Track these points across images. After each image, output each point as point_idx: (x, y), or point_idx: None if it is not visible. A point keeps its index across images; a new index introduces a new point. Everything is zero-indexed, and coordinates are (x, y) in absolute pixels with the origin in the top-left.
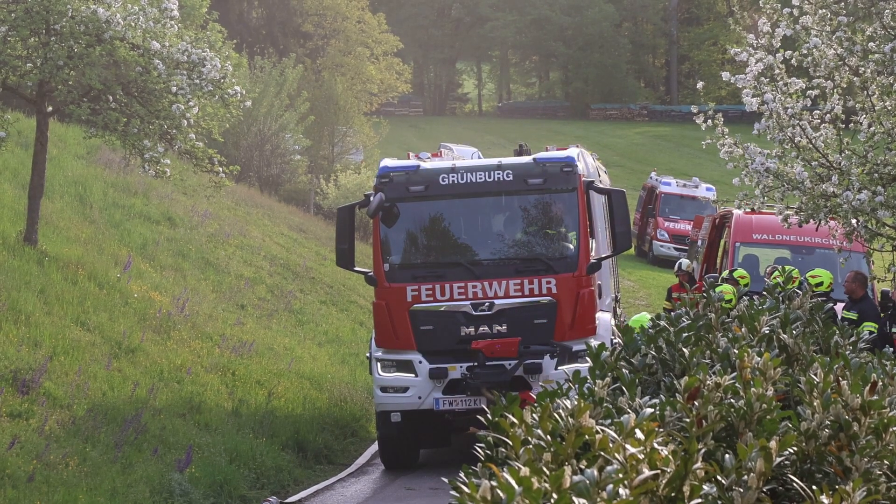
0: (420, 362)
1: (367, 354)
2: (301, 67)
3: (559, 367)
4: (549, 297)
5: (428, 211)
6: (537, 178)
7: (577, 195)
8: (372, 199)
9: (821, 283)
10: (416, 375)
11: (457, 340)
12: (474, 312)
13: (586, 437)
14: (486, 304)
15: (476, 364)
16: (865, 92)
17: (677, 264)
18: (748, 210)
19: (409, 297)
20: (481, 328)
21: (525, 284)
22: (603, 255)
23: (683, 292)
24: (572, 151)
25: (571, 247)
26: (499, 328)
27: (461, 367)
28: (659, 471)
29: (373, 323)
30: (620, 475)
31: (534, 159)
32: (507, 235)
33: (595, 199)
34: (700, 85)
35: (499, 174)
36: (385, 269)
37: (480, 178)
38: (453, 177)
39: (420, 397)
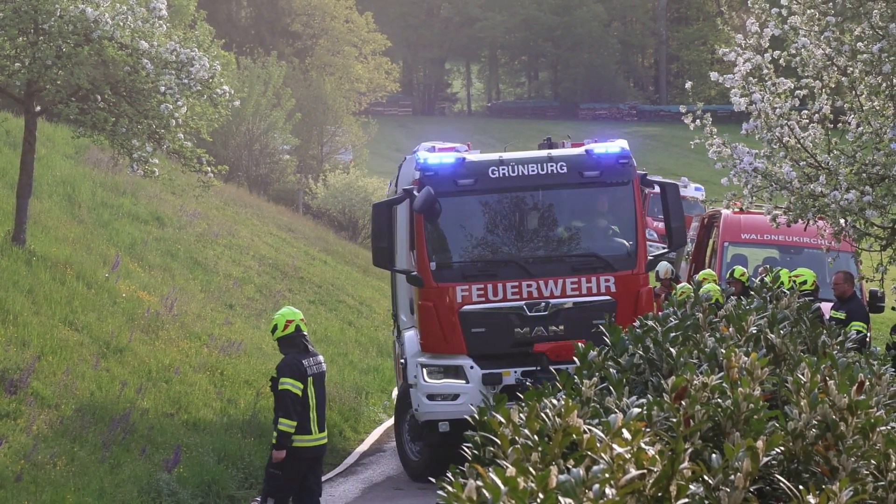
0: (471, 367)
1: (402, 360)
2: (285, 65)
3: None
4: (607, 297)
5: (477, 205)
6: (593, 170)
7: (633, 188)
8: (416, 193)
9: (804, 283)
10: (467, 382)
11: (511, 343)
12: (529, 313)
13: (573, 436)
14: (542, 303)
15: (538, 368)
16: (853, 92)
17: (655, 271)
18: (736, 210)
19: (460, 297)
20: (536, 330)
21: (582, 283)
22: (659, 252)
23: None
24: (621, 143)
25: (629, 243)
26: (555, 329)
27: (515, 371)
28: (646, 470)
29: (347, 326)
30: (607, 475)
31: (586, 151)
32: (561, 231)
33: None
34: (689, 85)
35: (552, 166)
36: (432, 268)
37: (532, 171)
38: (503, 169)
39: (472, 405)
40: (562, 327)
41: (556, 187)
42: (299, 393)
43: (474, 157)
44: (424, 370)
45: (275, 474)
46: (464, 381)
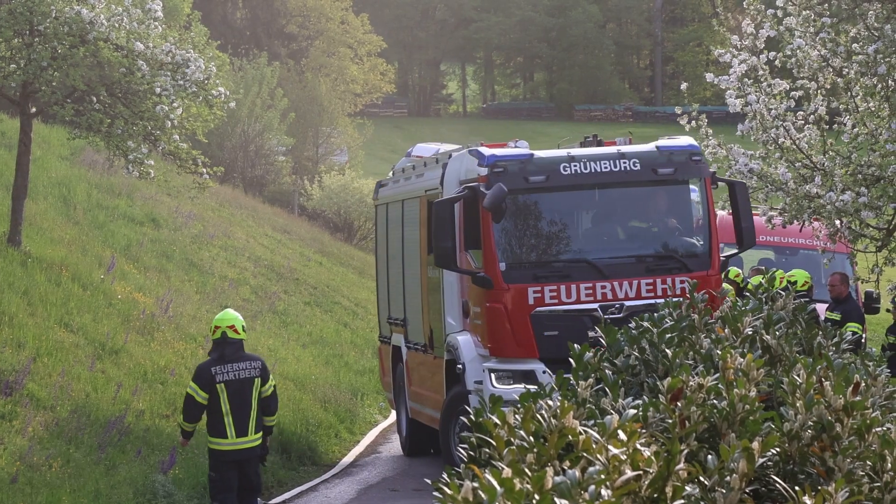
0: (544, 372)
1: (459, 365)
2: (278, 65)
3: None
4: (682, 298)
5: (549, 203)
6: (667, 167)
7: (706, 186)
8: (484, 189)
9: (794, 283)
10: None
11: None
12: (603, 316)
13: (569, 437)
14: (617, 305)
15: None
16: (849, 93)
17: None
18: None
19: (532, 299)
20: None
21: (657, 284)
22: (731, 253)
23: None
24: (688, 139)
25: (702, 243)
26: None
27: None
28: (641, 472)
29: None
30: (603, 476)
31: (657, 147)
32: (635, 230)
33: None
34: (684, 86)
35: (625, 163)
36: (501, 268)
37: (605, 168)
38: (575, 166)
39: None
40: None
41: (629, 185)
42: (197, 397)
43: (543, 153)
44: (493, 375)
45: (211, 477)
46: (536, 388)
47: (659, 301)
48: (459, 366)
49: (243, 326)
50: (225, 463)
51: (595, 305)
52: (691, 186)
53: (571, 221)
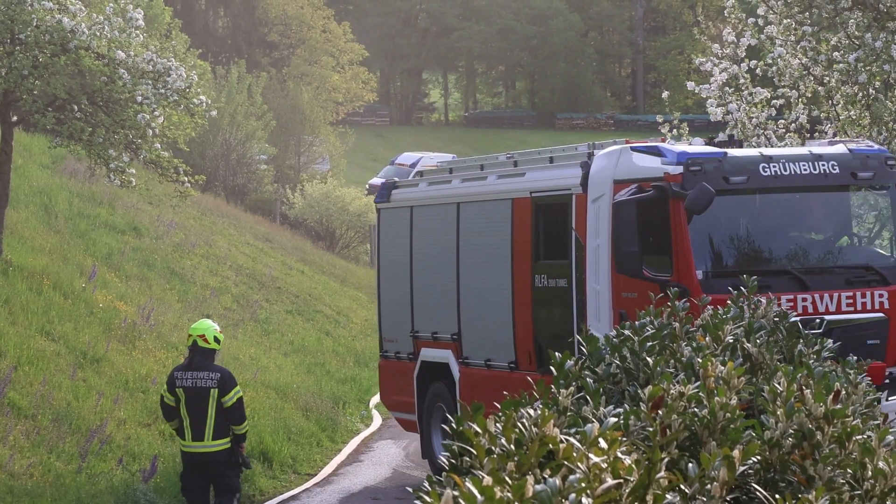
0: None
1: None
2: (264, 74)
3: (891, 398)
4: (879, 314)
5: (748, 206)
6: (866, 171)
7: None
8: (677, 189)
9: None
10: None
11: None
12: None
13: (550, 446)
14: (818, 320)
15: None
16: (830, 101)
17: None
18: None
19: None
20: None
21: (857, 297)
22: None
23: None
24: (869, 142)
25: (894, 254)
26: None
27: None
28: (622, 480)
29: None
30: (583, 484)
31: (849, 150)
32: (833, 239)
33: None
34: (666, 94)
35: (823, 166)
36: (699, 277)
37: (805, 170)
38: (774, 167)
39: None
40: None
41: (828, 189)
42: (166, 398)
43: (736, 152)
44: None
45: (180, 474)
46: None
47: (858, 316)
48: None
49: (216, 337)
50: (186, 464)
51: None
52: (887, 192)
53: (771, 227)
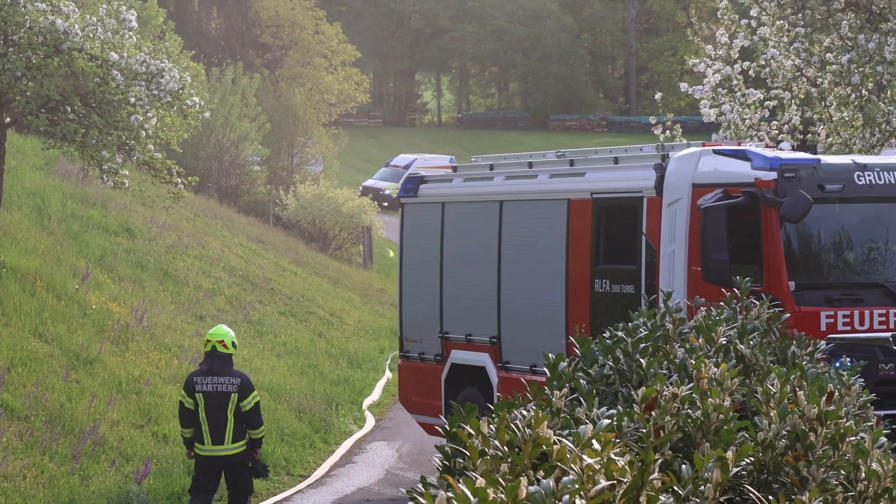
0: None
1: None
2: (258, 76)
3: None
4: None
5: (842, 216)
6: None
7: None
8: (769, 196)
9: None
10: None
11: (874, 381)
12: (894, 347)
13: (543, 447)
14: None
15: None
16: (823, 103)
17: None
18: None
19: (824, 325)
20: None
21: None
22: None
23: None
24: None
25: None
26: None
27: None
28: (616, 481)
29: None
30: (577, 486)
31: None
32: None
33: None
34: (659, 96)
35: None
36: (791, 288)
37: None
38: (869, 176)
39: None
40: None
41: None
42: (185, 403)
43: (829, 159)
44: None
45: (193, 476)
46: None
47: None
48: None
49: (233, 342)
50: (202, 466)
51: (888, 335)
52: None
53: (865, 238)
